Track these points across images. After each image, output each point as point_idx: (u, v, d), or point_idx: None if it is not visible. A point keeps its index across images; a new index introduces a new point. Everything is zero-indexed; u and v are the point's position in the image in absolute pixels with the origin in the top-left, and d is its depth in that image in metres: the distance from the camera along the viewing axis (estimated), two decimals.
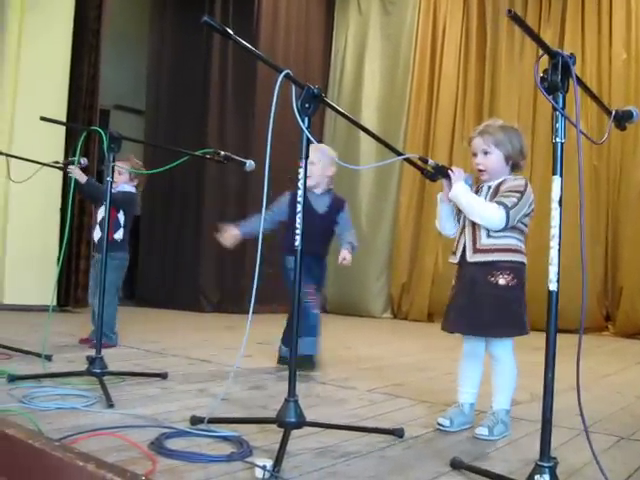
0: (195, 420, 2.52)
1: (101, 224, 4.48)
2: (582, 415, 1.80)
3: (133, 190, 4.59)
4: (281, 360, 4.07)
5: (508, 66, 7.97)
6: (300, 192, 2.25)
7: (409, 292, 8.54)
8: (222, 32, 2.09)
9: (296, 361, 2.34)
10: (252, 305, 2.37)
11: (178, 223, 8.27)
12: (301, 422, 2.30)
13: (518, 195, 2.57)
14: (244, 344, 2.42)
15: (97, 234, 4.50)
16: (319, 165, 4.00)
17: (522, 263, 2.67)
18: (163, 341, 5.02)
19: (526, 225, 2.69)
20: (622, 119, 2.30)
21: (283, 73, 2.18)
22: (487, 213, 2.58)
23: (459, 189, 2.61)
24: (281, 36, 8.50)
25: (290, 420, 2.27)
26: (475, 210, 2.61)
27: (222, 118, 8.11)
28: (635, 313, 7.09)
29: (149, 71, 8.75)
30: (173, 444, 2.26)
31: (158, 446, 2.21)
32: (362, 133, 9.04)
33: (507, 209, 2.54)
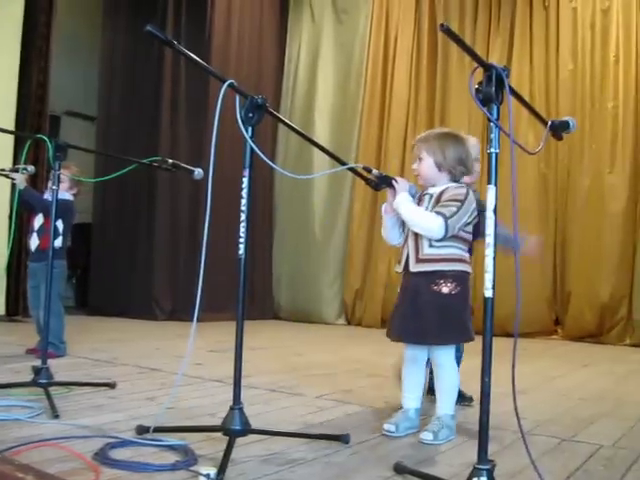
0: (141, 429, 2.52)
1: (38, 232, 4.47)
2: (518, 419, 1.84)
3: (71, 198, 4.55)
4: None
5: (459, 75, 8.07)
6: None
7: (362, 298, 8.58)
8: (165, 41, 2.09)
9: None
10: (196, 313, 2.38)
11: (130, 231, 8.19)
12: (246, 430, 2.31)
13: (458, 204, 2.61)
14: (189, 352, 2.42)
15: (34, 242, 4.50)
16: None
17: (465, 272, 2.72)
18: (114, 350, 4.98)
19: (470, 233, 2.74)
20: (558, 129, 2.36)
21: (227, 83, 2.19)
22: (425, 223, 2.62)
23: (401, 199, 2.65)
24: (234, 44, 8.49)
25: (235, 428, 2.28)
26: (414, 220, 2.65)
27: (175, 125, 8.07)
28: (583, 317, 7.24)
29: (100, 77, 8.67)
30: (118, 454, 2.26)
31: (102, 456, 2.20)
32: (315, 149, 9.10)
33: (446, 218, 2.58)
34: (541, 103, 7.64)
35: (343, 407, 3.27)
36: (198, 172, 3.55)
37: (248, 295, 8.47)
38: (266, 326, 8.06)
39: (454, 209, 2.61)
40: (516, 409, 1.89)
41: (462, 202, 2.63)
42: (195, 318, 2.39)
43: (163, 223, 8.00)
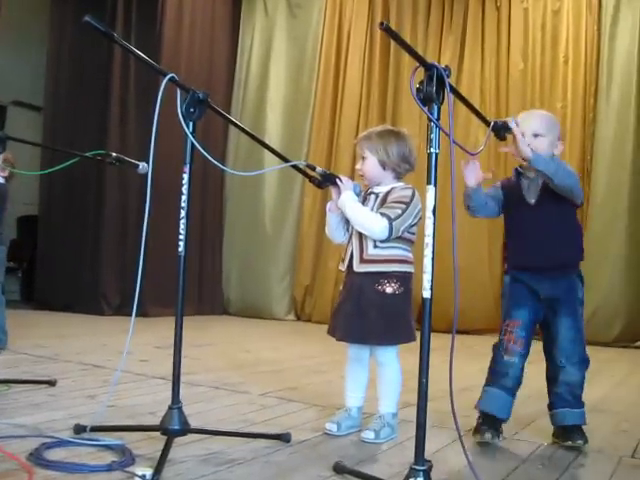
0: (78, 429, 2.47)
1: None
2: (455, 419, 1.84)
3: (2, 181, 4.42)
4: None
5: (411, 71, 8.08)
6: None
7: (312, 294, 8.57)
8: (104, 33, 2.04)
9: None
10: (134, 309, 2.34)
11: (78, 225, 8.03)
12: (185, 429, 2.28)
13: (403, 206, 2.61)
14: (126, 349, 2.38)
15: None
16: (548, 138, 2.71)
17: (409, 272, 2.72)
18: (57, 346, 4.88)
19: (414, 234, 2.74)
20: (501, 130, 2.37)
21: (167, 77, 2.15)
22: (370, 224, 2.61)
23: (345, 198, 2.63)
24: (186, 36, 8.38)
25: (173, 428, 2.25)
26: (359, 220, 2.64)
27: (124, 117, 7.94)
28: None
29: (48, 67, 8.46)
30: (53, 454, 2.21)
31: (37, 457, 2.16)
32: (266, 141, 9.01)
33: (390, 220, 2.58)
34: (492, 102, 7.72)
35: (287, 405, 3.25)
36: (143, 166, 3.49)
37: (197, 290, 8.55)
38: (215, 322, 8.00)
39: (399, 211, 2.60)
40: (453, 407, 1.89)
41: (407, 204, 2.63)
42: (134, 314, 2.35)
43: (111, 217, 7.87)
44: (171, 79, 2.16)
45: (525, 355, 2.73)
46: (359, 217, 2.63)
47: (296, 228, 8.74)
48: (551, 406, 2.75)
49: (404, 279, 2.67)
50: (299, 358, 5.09)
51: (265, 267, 8.75)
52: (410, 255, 2.72)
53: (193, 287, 8.44)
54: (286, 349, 5.74)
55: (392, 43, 8.30)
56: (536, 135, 2.65)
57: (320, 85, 8.70)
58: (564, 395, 2.69)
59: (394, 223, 2.58)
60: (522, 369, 2.72)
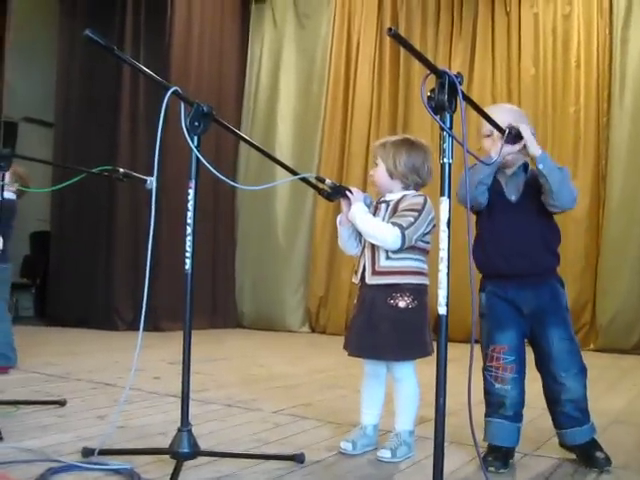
0: (86, 452, 2.41)
1: None
2: (474, 435, 1.77)
3: (13, 197, 4.35)
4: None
5: (422, 79, 8.02)
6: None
7: (327, 306, 8.50)
8: (105, 47, 1.98)
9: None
10: (142, 323, 2.28)
11: (90, 239, 8.02)
12: (194, 452, 2.21)
13: (415, 214, 2.53)
14: (134, 365, 2.32)
15: None
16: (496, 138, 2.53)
17: (424, 285, 2.64)
18: (68, 364, 4.83)
19: (428, 243, 2.66)
20: (516, 137, 2.30)
21: (171, 90, 2.09)
22: (381, 234, 2.53)
23: (355, 210, 2.56)
24: (195, 48, 8.37)
25: (183, 451, 2.18)
26: (370, 232, 2.56)
27: (134, 133, 7.91)
28: None
29: (58, 83, 8.48)
30: None
31: None
32: (277, 153, 8.96)
33: (402, 229, 2.50)
34: None
35: (300, 422, 3.17)
36: (151, 181, 3.44)
37: (211, 304, 8.49)
38: (229, 335, 7.95)
39: (411, 219, 2.52)
40: (471, 423, 1.81)
41: (420, 212, 2.54)
42: (141, 330, 2.30)
43: (123, 232, 7.84)
44: (174, 92, 2.10)
45: (520, 378, 2.55)
46: (370, 228, 2.55)
47: (309, 239, 8.69)
48: (559, 426, 2.60)
49: (418, 292, 2.59)
50: (313, 372, 5.01)
51: (278, 279, 8.69)
52: (425, 266, 2.64)
53: (206, 300, 8.40)
54: (300, 363, 5.67)
55: (402, 51, 8.24)
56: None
57: (330, 95, 8.66)
58: (571, 413, 2.54)
59: (406, 232, 2.49)
60: (521, 393, 2.56)
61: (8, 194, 4.31)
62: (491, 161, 2.26)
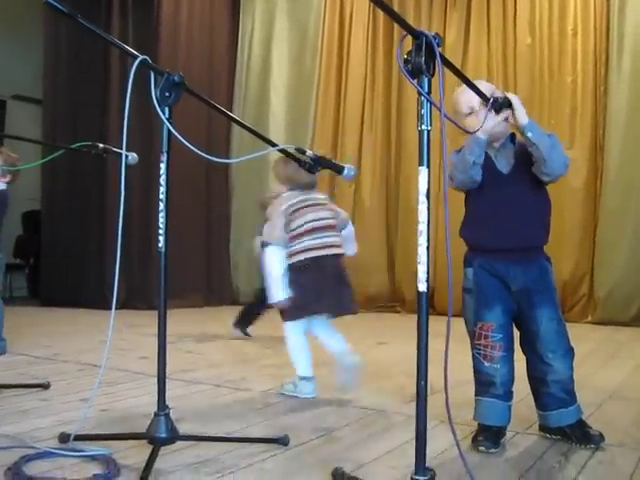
0: (64, 437, 2.33)
1: None
2: (452, 426, 1.68)
3: (4, 187, 4.24)
4: None
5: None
6: None
7: None
8: (67, 14, 1.88)
9: None
10: (114, 301, 2.20)
11: (81, 219, 7.92)
12: (172, 437, 2.13)
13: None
14: (108, 346, 2.24)
15: None
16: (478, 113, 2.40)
17: (302, 260, 3.24)
18: (57, 345, 4.76)
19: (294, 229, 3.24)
20: (501, 106, 2.20)
21: (138, 59, 1.99)
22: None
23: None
24: (184, 19, 8.22)
25: (160, 436, 2.10)
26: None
27: (123, 109, 7.77)
28: None
29: (45, 60, 8.32)
30: (34, 467, 2.07)
31: (15, 471, 2.01)
32: (271, 126, 8.81)
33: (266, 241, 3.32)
34: (499, 78, 7.50)
35: (289, 402, 3.10)
36: (132, 157, 3.33)
37: (205, 281, 8.41)
38: (224, 313, 7.84)
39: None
40: (448, 406, 1.73)
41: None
42: (114, 307, 2.21)
43: (114, 210, 7.70)
44: (143, 62, 2.00)
45: (509, 356, 2.46)
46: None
47: None
48: (543, 407, 2.51)
49: (298, 267, 3.25)
50: None
51: None
52: (303, 245, 3.23)
53: (201, 277, 8.33)
54: None
55: None
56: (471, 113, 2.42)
57: (324, 66, 8.53)
58: (557, 394, 2.45)
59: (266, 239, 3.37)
60: (510, 371, 2.47)
61: (1, 185, 4.20)
62: (478, 134, 2.15)
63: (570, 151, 7.07)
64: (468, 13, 7.88)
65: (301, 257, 3.21)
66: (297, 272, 3.23)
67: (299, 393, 3.25)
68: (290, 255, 3.24)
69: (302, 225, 3.23)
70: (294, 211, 3.24)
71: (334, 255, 3.28)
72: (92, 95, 7.90)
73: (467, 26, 7.87)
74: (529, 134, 2.27)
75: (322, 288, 3.21)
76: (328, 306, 3.25)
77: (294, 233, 3.23)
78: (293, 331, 3.35)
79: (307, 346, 3.36)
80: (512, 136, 2.49)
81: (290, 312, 3.27)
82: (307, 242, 3.23)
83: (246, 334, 5.40)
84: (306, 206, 3.26)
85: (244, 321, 5.43)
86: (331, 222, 3.33)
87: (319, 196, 3.41)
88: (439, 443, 2.33)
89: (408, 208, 7.63)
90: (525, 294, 2.45)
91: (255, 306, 5.32)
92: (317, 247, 3.23)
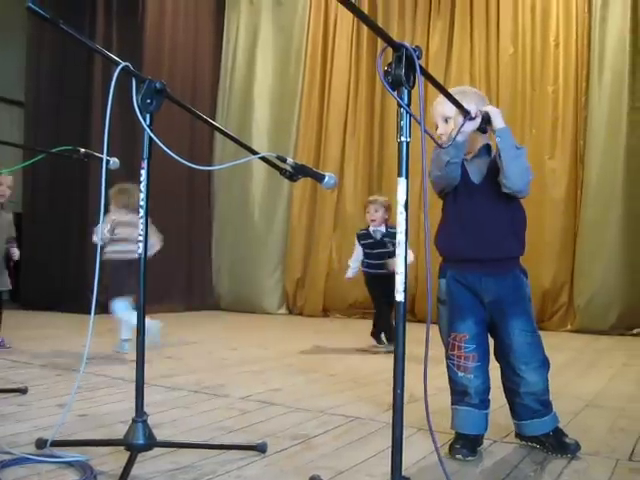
0: (40, 443, 2.32)
1: None
2: (432, 433, 1.69)
3: None
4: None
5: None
6: None
7: (304, 287, 8.43)
8: (49, 20, 1.87)
9: None
10: (94, 306, 2.20)
11: (62, 222, 7.89)
12: (150, 444, 2.13)
13: None
14: (87, 350, 2.23)
15: None
16: (456, 119, 2.36)
17: None
18: (35, 349, 4.74)
19: None
20: (483, 121, 2.21)
21: (120, 66, 1.99)
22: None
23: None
24: (168, 24, 8.24)
25: (137, 442, 2.10)
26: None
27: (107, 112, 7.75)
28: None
29: (28, 61, 8.29)
30: (10, 473, 2.06)
31: None
32: (254, 132, 8.85)
33: None
34: (482, 87, 7.53)
35: (268, 409, 3.09)
36: (113, 162, 3.33)
37: (187, 286, 8.39)
38: (205, 318, 7.85)
39: None
40: (427, 414, 1.74)
41: None
42: (93, 311, 2.20)
43: (95, 213, 7.69)
44: (124, 68, 2.00)
45: (484, 366, 2.46)
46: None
47: (286, 221, 8.60)
48: (518, 417, 2.51)
49: None
50: (285, 355, 4.92)
51: (255, 261, 8.62)
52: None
53: (183, 282, 8.31)
54: (274, 346, 5.57)
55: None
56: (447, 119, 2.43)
57: (308, 73, 8.57)
58: (531, 405, 2.46)
59: None
60: (485, 380, 2.47)
61: None
62: (448, 143, 2.16)
63: (551, 161, 7.14)
64: (451, 22, 7.93)
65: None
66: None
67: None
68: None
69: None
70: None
71: None
72: (75, 98, 7.87)
73: (450, 35, 7.92)
74: (498, 139, 2.28)
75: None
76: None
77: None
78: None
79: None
80: (488, 147, 2.50)
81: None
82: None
83: (380, 342, 5.23)
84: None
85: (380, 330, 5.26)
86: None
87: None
88: (418, 451, 2.35)
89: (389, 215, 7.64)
90: (498, 305, 2.45)
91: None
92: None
